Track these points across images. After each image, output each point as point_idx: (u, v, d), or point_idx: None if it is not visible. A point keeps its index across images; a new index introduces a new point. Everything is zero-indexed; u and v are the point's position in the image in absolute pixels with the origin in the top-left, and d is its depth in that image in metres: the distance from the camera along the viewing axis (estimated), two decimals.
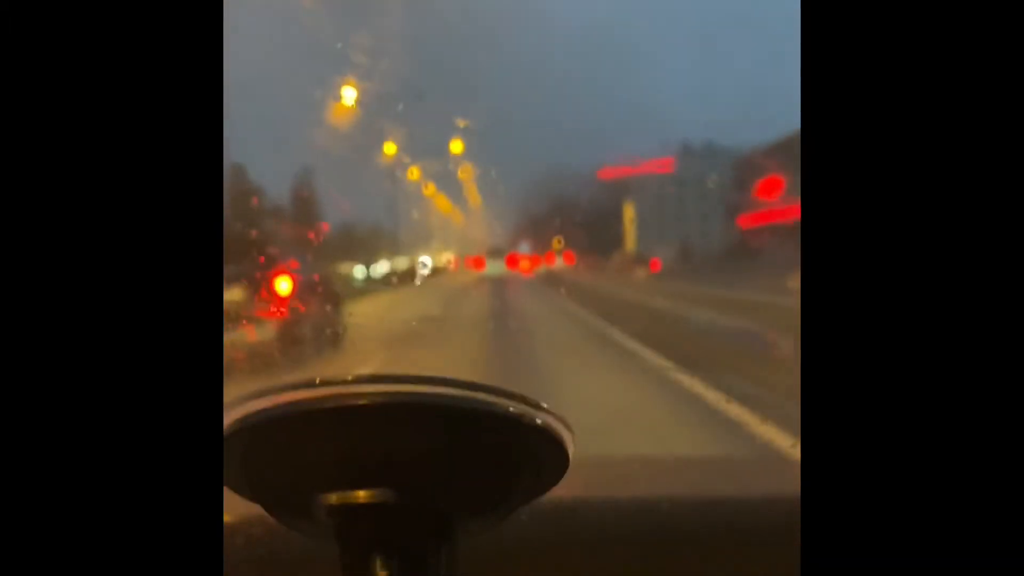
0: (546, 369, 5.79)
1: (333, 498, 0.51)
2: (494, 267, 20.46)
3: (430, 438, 0.49)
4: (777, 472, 1.18)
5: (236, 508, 0.67)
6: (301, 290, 6.72)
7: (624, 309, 10.85)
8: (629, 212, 25.15)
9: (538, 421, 0.50)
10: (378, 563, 0.51)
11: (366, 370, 0.49)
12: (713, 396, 4.59)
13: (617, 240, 24.24)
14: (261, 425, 0.48)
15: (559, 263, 21.58)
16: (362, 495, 0.50)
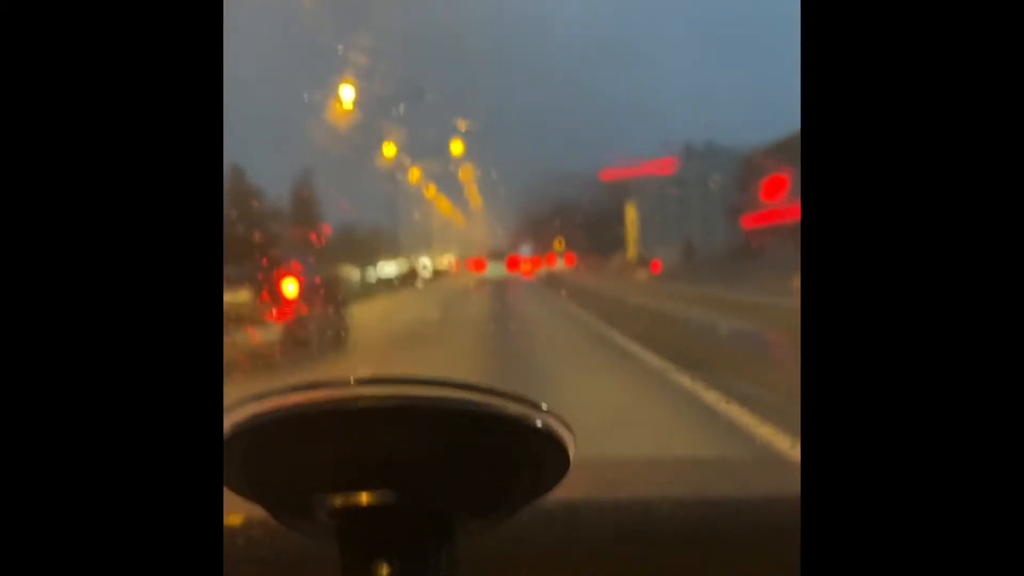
0: (546, 370, 5.79)
1: (334, 499, 0.51)
2: (495, 269, 20.46)
3: (431, 440, 0.49)
4: (777, 472, 1.18)
5: (237, 509, 0.67)
6: (306, 292, 6.74)
7: (624, 311, 10.85)
8: (631, 213, 25.15)
9: (538, 422, 0.50)
10: (379, 564, 0.51)
11: (368, 371, 0.49)
12: (712, 397, 4.59)
13: (618, 241, 24.24)
14: (262, 427, 0.48)
15: (559, 264, 21.59)
16: (363, 496, 0.50)
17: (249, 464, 0.51)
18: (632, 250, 24.55)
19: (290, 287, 6.55)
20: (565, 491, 0.55)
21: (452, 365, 5.62)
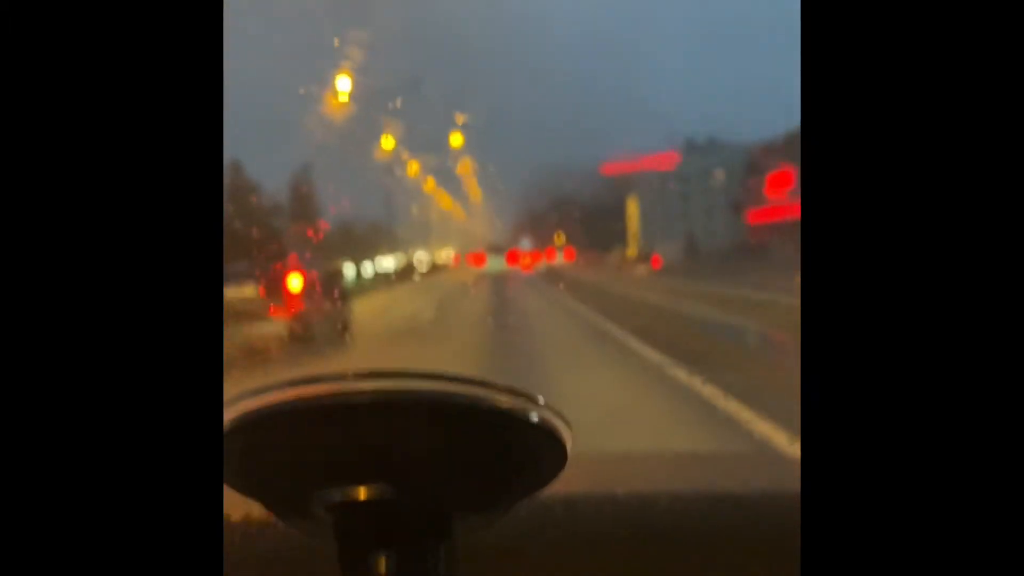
0: (543, 364, 5.79)
1: (331, 495, 0.51)
2: (494, 263, 20.45)
3: (428, 434, 0.49)
4: (776, 468, 1.18)
5: (235, 505, 0.67)
6: (310, 287, 6.80)
7: (623, 306, 10.85)
8: (632, 208, 25.12)
9: (536, 417, 0.50)
10: (377, 559, 0.51)
11: (369, 365, 0.49)
12: (710, 391, 4.59)
13: (618, 236, 24.22)
14: (259, 422, 0.48)
15: (559, 259, 21.59)
16: (360, 492, 0.50)
17: (247, 460, 0.51)
18: (633, 245, 24.52)
19: (295, 282, 6.59)
20: (563, 485, 0.55)
21: (450, 360, 5.63)
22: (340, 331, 6.78)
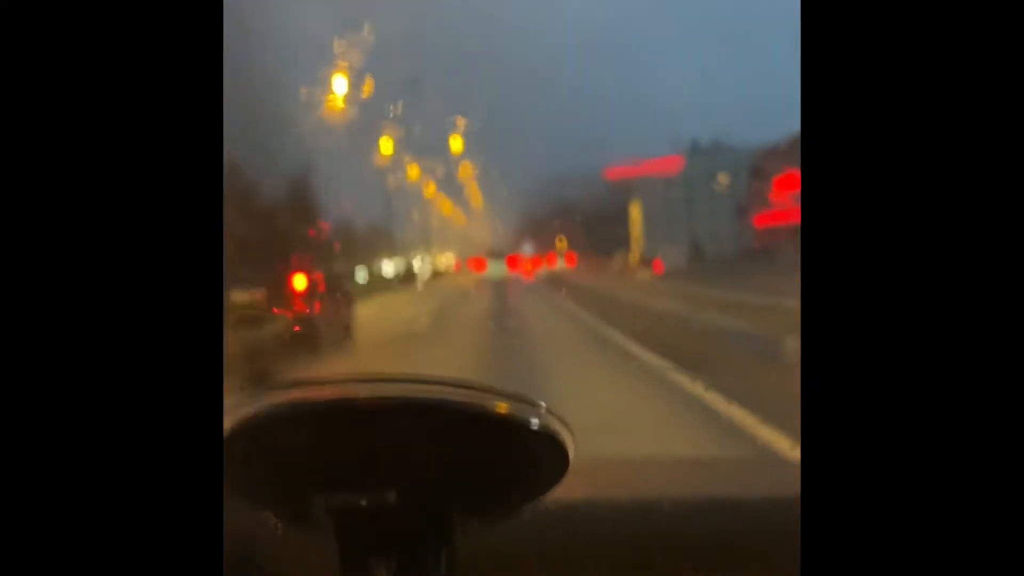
0: (544, 368, 5.79)
1: (332, 499, 0.50)
2: (495, 268, 20.45)
3: (430, 438, 0.49)
4: (777, 473, 1.18)
5: (236, 509, 0.66)
6: (314, 288, 6.88)
7: (625, 310, 10.84)
8: (635, 212, 25.10)
9: (538, 422, 0.50)
10: (377, 564, 0.50)
11: (371, 368, 0.49)
12: (711, 397, 4.58)
13: (620, 241, 24.21)
14: (260, 426, 0.48)
15: (560, 264, 21.58)
16: (361, 496, 0.50)
17: (247, 463, 0.50)
18: (635, 250, 24.50)
19: (299, 282, 6.66)
20: (564, 491, 0.55)
21: (450, 362, 5.63)
22: (344, 333, 6.84)
